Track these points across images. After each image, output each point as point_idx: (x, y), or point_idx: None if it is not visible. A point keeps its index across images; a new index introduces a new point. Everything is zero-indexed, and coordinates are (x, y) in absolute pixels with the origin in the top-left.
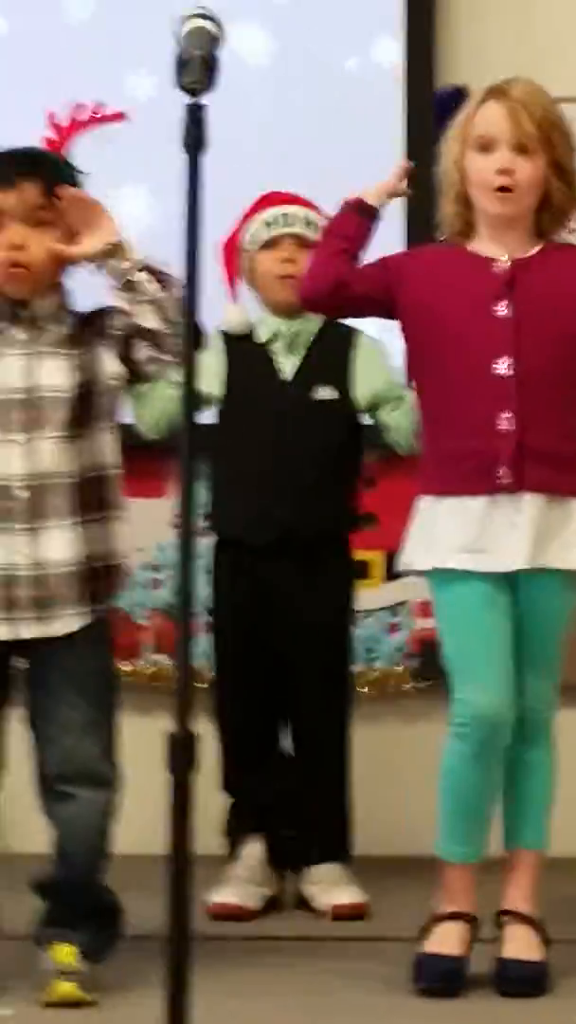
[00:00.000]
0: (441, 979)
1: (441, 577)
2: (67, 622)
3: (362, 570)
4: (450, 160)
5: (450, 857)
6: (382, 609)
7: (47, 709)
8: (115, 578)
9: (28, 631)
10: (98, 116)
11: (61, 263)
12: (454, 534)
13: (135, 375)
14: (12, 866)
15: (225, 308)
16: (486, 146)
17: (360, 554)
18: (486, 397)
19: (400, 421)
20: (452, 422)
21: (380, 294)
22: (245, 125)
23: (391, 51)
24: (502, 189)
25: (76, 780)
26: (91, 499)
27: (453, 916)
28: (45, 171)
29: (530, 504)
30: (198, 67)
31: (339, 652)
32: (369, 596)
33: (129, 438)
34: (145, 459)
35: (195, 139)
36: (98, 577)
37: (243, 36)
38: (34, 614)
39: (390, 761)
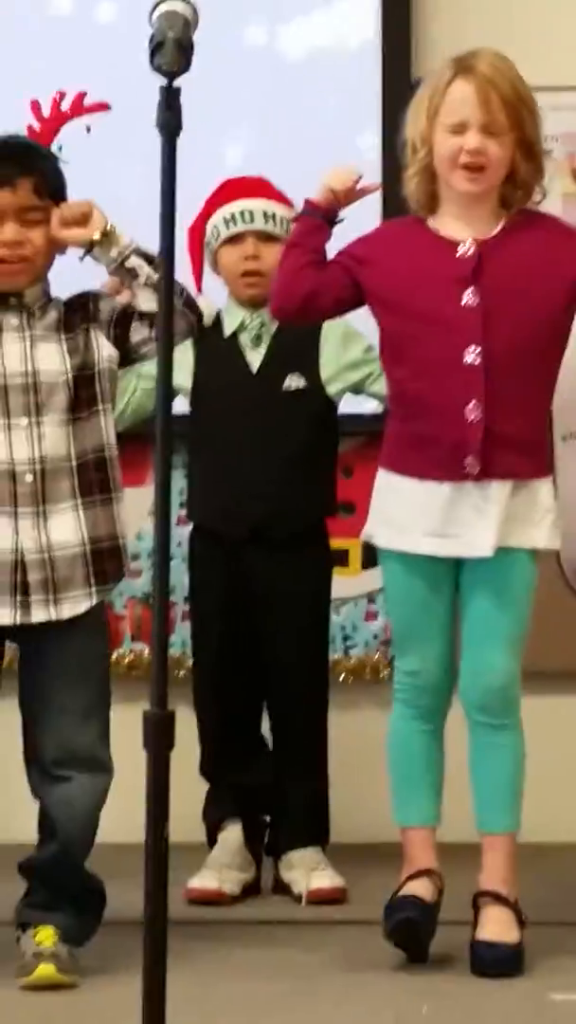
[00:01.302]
0: (410, 910)
1: (397, 557)
2: (74, 604)
3: (340, 558)
4: (416, 134)
5: (404, 820)
6: (360, 597)
7: (46, 692)
8: (119, 559)
9: (38, 615)
10: (81, 106)
11: (54, 252)
12: (420, 518)
13: (130, 356)
14: None
15: None
16: (457, 129)
17: (338, 542)
18: (455, 385)
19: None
20: (420, 407)
21: (349, 293)
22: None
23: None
24: (472, 168)
25: (74, 764)
26: (93, 481)
27: (415, 875)
28: (36, 170)
29: (497, 491)
30: (171, 49)
31: (316, 640)
32: (347, 584)
33: None
34: (126, 447)
35: (169, 122)
36: (103, 558)
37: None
38: (43, 597)
39: (368, 748)
